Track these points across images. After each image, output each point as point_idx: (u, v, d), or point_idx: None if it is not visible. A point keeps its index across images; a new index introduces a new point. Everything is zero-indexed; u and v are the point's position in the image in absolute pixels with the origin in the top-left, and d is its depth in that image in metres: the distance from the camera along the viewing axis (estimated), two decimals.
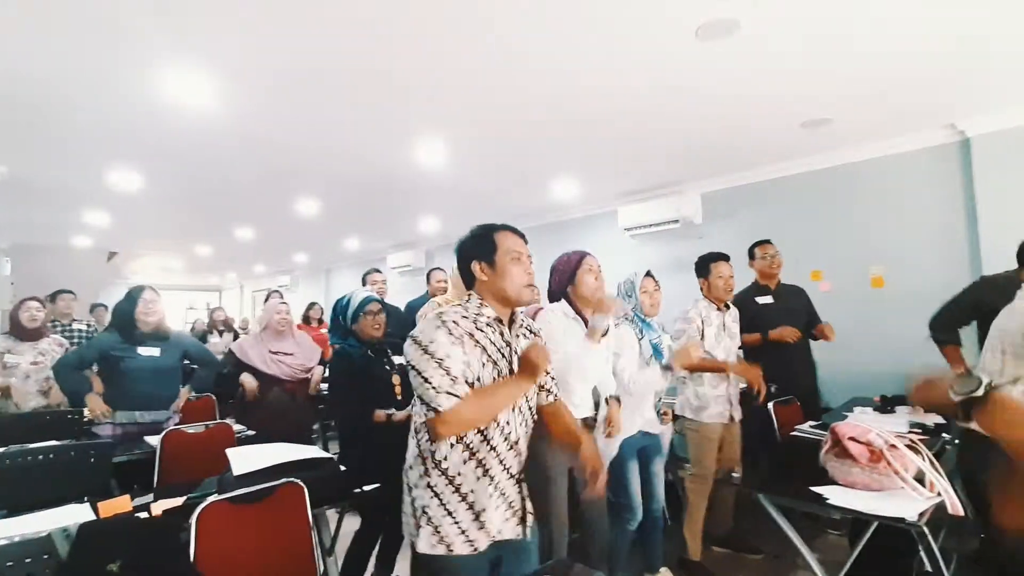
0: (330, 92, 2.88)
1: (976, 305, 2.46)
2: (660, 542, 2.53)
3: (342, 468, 2.07)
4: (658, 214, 4.84)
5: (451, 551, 1.30)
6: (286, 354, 3.18)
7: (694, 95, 2.98)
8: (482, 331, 1.35)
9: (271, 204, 5.52)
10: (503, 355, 1.38)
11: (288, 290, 9.87)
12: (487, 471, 1.34)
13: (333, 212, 5.83)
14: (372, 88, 2.83)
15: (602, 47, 2.45)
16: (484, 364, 1.33)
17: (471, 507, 1.33)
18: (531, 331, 1.53)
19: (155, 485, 2.30)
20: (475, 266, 1.40)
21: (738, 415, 2.78)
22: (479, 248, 1.41)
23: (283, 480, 1.74)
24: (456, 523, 1.32)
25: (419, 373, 1.28)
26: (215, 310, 7.20)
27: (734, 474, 2.12)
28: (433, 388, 1.25)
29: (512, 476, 1.41)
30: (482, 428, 1.33)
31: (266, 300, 6.06)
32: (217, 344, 6.63)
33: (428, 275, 3.82)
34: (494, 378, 1.34)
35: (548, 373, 1.52)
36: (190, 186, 4.73)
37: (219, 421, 2.84)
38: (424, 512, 1.34)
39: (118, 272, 10.20)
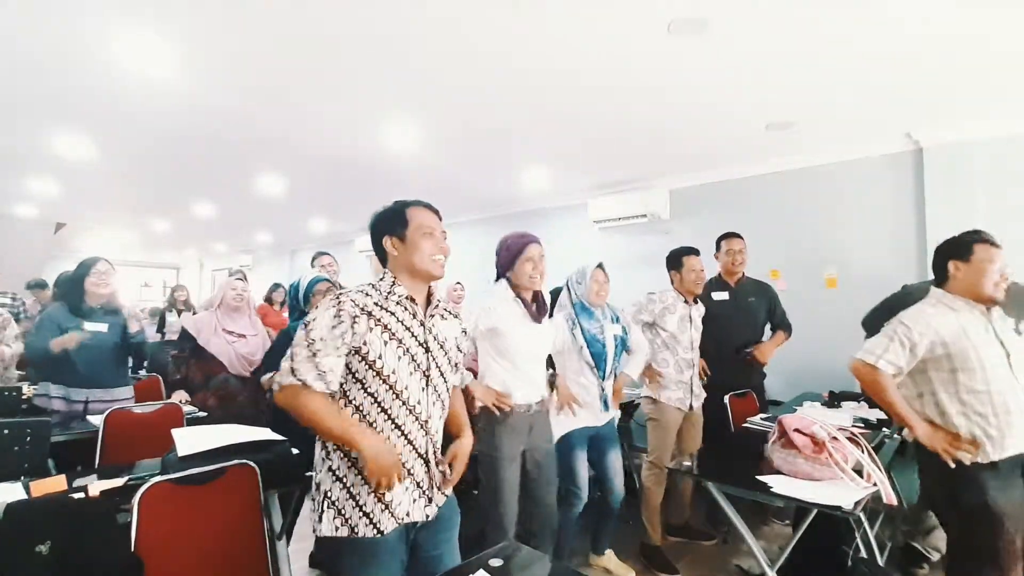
0: (297, 66, 2.77)
1: (894, 310, 2.57)
2: (611, 529, 2.59)
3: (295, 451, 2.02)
4: (627, 208, 4.90)
5: (355, 533, 1.26)
6: (239, 336, 2.93)
7: (664, 91, 3.00)
8: (389, 310, 1.33)
9: (233, 180, 5.31)
10: (413, 335, 1.35)
11: (250, 270, 9.57)
12: None
13: (299, 191, 5.66)
14: (340, 64, 2.74)
15: (574, 36, 2.43)
16: (387, 342, 1.29)
17: (375, 489, 1.27)
18: (451, 314, 1.50)
19: (97, 466, 2.21)
20: (387, 241, 1.40)
21: (698, 404, 2.85)
22: (391, 223, 1.40)
23: (234, 461, 1.70)
24: (359, 506, 1.27)
25: (292, 343, 1.28)
26: (176, 288, 6.92)
27: (685, 463, 2.17)
28: (291, 363, 1.25)
29: (421, 456, 1.36)
30: (386, 407, 1.31)
31: None
32: (175, 324, 6.38)
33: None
34: (399, 357, 1.31)
35: (460, 350, 1.52)
36: (147, 156, 4.50)
37: (167, 401, 2.74)
38: (326, 496, 1.29)
39: (65, 245, 9.67)
